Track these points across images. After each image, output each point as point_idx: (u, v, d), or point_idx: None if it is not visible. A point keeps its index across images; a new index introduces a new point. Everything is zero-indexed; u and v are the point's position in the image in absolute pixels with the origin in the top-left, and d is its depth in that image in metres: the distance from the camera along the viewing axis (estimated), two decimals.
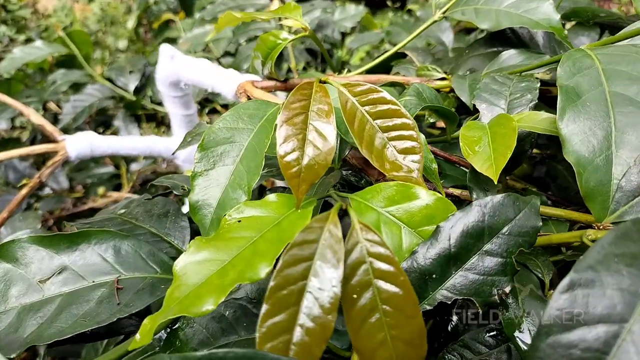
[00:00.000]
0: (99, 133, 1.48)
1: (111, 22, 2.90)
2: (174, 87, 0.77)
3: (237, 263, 0.33)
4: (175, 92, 0.78)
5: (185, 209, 0.55)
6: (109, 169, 1.30)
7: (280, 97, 0.83)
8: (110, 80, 1.36)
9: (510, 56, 0.59)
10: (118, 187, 1.30)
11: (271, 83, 0.66)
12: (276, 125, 0.38)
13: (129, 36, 2.60)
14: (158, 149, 0.84)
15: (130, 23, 2.52)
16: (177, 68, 0.73)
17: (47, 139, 1.51)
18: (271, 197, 0.38)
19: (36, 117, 0.80)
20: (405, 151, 0.39)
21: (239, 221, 0.37)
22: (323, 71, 1.38)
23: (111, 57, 2.38)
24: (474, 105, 0.50)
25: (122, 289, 0.41)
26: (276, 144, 0.37)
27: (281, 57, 1.24)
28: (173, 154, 0.59)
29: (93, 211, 1.24)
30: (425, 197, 0.37)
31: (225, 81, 0.67)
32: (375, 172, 0.48)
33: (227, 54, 1.49)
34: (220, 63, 1.43)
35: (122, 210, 0.53)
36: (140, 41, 2.76)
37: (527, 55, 0.59)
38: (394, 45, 1.28)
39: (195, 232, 0.52)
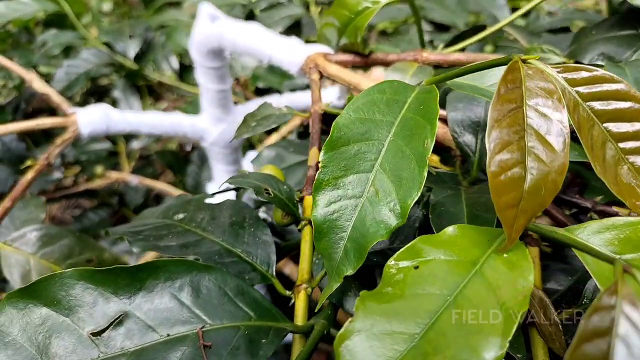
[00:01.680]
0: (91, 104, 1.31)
1: None
2: (213, 55, 0.62)
3: (438, 341, 0.21)
4: (213, 61, 0.63)
5: (261, 214, 0.41)
6: (105, 144, 1.13)
7: (377, 74, 0.69)
8: (107, 45, 1.18)
9: None
10: (115, 167, 1.14)
11: (349, 57, 0.52)
12: (445, 119, 0.25)
13: None
14: (183, 128, 0.69)
15: None
16: (220, 32, 0.58)
17: (41, 109, 1.33)
18: (450, 230, 0.25)
19: (40, 85, 0.64)
20: None
21: (416, 267, 0.23)
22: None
23: (102, 20, 2.16)
24: None
25: (210, 346, 0.28)
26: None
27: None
28: (232, 140, 0.45)
29: (90, 193, 1.08)
30: None
31: (288, 51, 0.53)
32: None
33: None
34: None
35: (181, 216, 0.39)
36: (126, 5, 2.55)
37: None
38: (430, 21, 1.15)
39: (280, 250, 0.39)
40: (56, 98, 0.64)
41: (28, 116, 1.26)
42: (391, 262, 0.24)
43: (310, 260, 0.36)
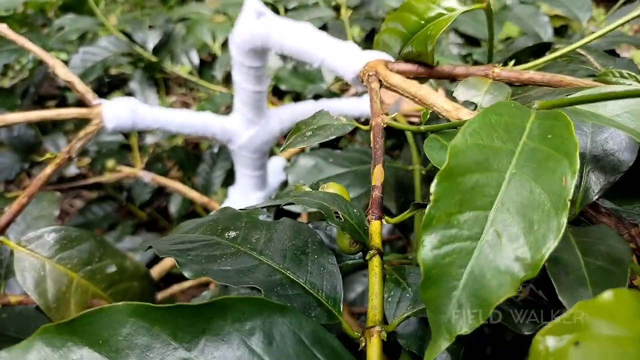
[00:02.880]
0: (104, 95, 1.24)
1: None
2: (254, 54, 0.57)
3: None
4: (253, 60, 0.57)
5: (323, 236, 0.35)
6: (118, 137, 1.08)
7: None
8: (125, 34, 1.13)
9: None
10: (124, 160, 1.08)
11: (412, 67, 0.47)
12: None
13: None
14: (213, 129, 0.64)
15: None
16: (266, 31, 0.53)
17: (51, 95, 1.27)
18: (606, 295, 0.20)
19: (64, 71, 0.58)
20: None
21: (576, 344, 0.18)
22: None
23: (122, 8, 2.10)
24: None
25: None
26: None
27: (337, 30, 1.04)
28: (281, 149, 0.40)
29: (98, 187, 1.02)
30: None
31: (344, 55, 0.48)
32: None
33: None
34: None
35: (232, 234, 0.33)
36: None
37: None
38: (461, 34, 1.10)
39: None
40: (80, 87, 0.58)
41: (36, 102, 1.20)
42: (543, 337, 0.19)
43: (381, 297, 0.31)
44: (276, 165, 0.81)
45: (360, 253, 0.35)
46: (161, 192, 1.24)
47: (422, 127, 0.38)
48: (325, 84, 1.03)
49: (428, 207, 0.23)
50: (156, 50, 1.13)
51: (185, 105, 2.00)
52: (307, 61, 0.51)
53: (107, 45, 1.06)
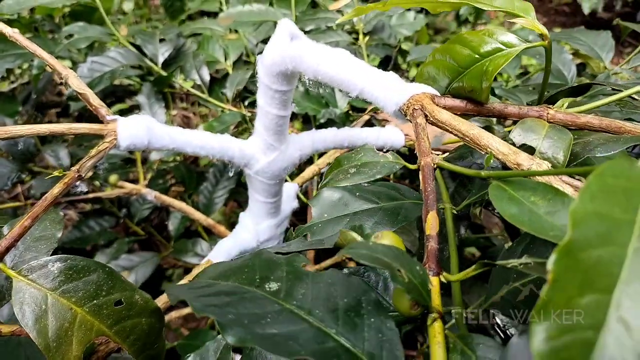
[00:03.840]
0: (107, 106, 1.20)
1: None
2: (283, 78, 0.53)
3: None
4: (281, 84, 0.53)
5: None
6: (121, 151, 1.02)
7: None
8: (136, 46, 1.08)
9: None
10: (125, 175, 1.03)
11: (460, 103, 0.43)
12: None
13: None
14: (231, 152, 0.59)
15: None
16: (299, 54, 0.49)
17: (55, 103, 1.21)
18: None
19: (77, 82, 0.53)
20: None
21: None
22: None
23: (120, 19, 2.06)
24: None
25: None
26: None
27: None
28: (320, 185, 0.36)
29: (97, 201, 0.97)
30: None
31: (385, 86, 0.44)
32: None
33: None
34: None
35: (274, 286, 0.29)
36: (146, 7, 2.45)
37: None
38: None
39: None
40: (94, 101, 0.53)
41: (37, 109, 1.15)
42: None
43: None
44: (289, 191, 0.76)
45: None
46: (159, 208, 1.19)
47: (483, 173, 0.34)
48: (339, 108, 0.99)
49: (544, 289, 0.19)
50: (166, 64, 1.09)
51: (187, 119, 1.96)
52: (343, 89, 0.47)
53: (116, 56, 1.01)
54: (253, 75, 1.05)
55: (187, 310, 0.80)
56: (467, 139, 0.39)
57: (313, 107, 1.00)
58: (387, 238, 0.31)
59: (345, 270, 0.32)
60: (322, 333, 0.26)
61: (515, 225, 0.30)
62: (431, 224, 0.33)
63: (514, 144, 0.38)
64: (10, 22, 1.06)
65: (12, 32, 0.57)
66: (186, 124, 1.90)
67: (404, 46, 1.31)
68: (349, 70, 0.46)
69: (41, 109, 1.17)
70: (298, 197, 0.80)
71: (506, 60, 0.38)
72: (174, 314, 0.78)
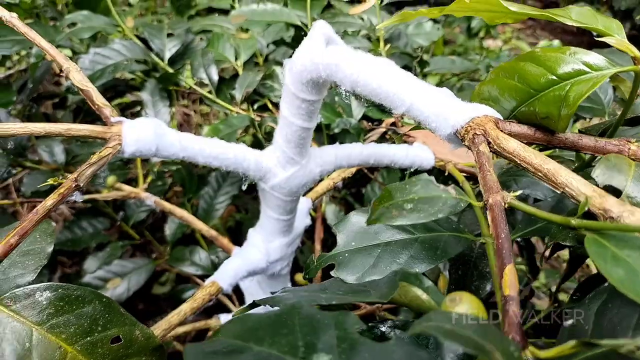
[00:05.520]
0: (107, 101, 1.12)
1: None
2: (312, 86, 0.46)
3: None
4: (310, 93, 0.47)
5: None
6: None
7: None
8: (142, 40, 1.01)
9: None
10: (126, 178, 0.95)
11: (529, 130, 0.36)
12: None
13: None
14: (247, 164, 0.53)
15: None
16: (335, 62, 0.42)
17: (51, 94, 1.14)
18: None
19: (80, 77, 0.47)
20: None
21: None
22: None
23: (125, 10, 1.98)
24: None
25: None
26: None
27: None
28: (368, 221, 0.29)
29: (93, 203, 0.89)
30: None
31: (439, 104, 0.37)
32: None
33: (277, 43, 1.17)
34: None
35: (325, 358, 0.22)
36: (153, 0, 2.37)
37: None
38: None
39: None
40: (98, 99, 0.46)
41: (33, 99, 1.07)
42: None
43: None
44: (301, 207, 0.70)
45: None
46: (155, 212, 1.12)
47: (574, 222, 0.27)
48: (354, 118, 0.92)
49: None
50: (172, 61, 1.02)
51: (187, 117, 1.88)
52: (386, 104, 0.41)
53: (121, 49, 0.94)
54: (264, 78, 0.98)
55: (182, 329, 0.74)
56: (539, 174, 0.33)
57: (327, 115, 0.93)
58: (466, 303, 0.24)
59: (405, 337, 0.25)
60: None
61: (627, 294, 0.23)
62: (509, 282, 0.27)
63: (596, 184, 0.32)
64: (10, 7, 0.99)
65: (10, 17, 0.50)
66: (186, 122, 1.83)
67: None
68: (394, 82, 0.40)
69: (37, 99, 1.09)
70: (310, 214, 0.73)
71: (593, 86, 0.32)
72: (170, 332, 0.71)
